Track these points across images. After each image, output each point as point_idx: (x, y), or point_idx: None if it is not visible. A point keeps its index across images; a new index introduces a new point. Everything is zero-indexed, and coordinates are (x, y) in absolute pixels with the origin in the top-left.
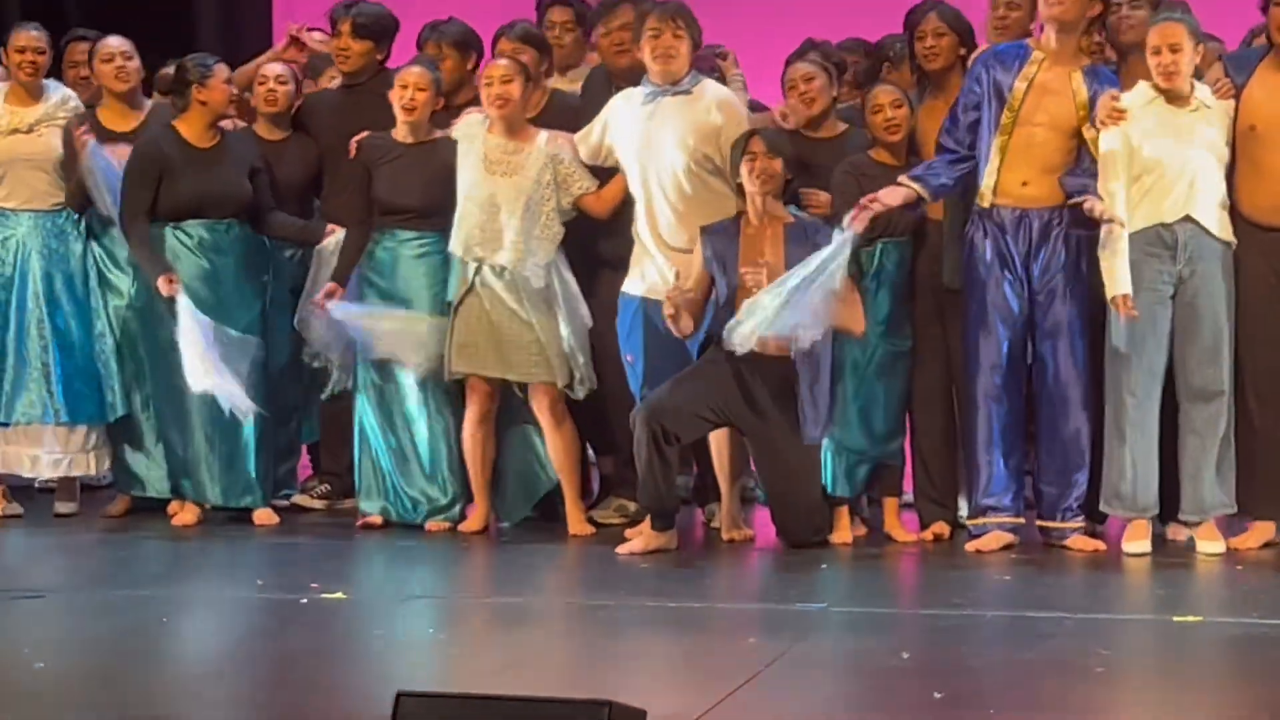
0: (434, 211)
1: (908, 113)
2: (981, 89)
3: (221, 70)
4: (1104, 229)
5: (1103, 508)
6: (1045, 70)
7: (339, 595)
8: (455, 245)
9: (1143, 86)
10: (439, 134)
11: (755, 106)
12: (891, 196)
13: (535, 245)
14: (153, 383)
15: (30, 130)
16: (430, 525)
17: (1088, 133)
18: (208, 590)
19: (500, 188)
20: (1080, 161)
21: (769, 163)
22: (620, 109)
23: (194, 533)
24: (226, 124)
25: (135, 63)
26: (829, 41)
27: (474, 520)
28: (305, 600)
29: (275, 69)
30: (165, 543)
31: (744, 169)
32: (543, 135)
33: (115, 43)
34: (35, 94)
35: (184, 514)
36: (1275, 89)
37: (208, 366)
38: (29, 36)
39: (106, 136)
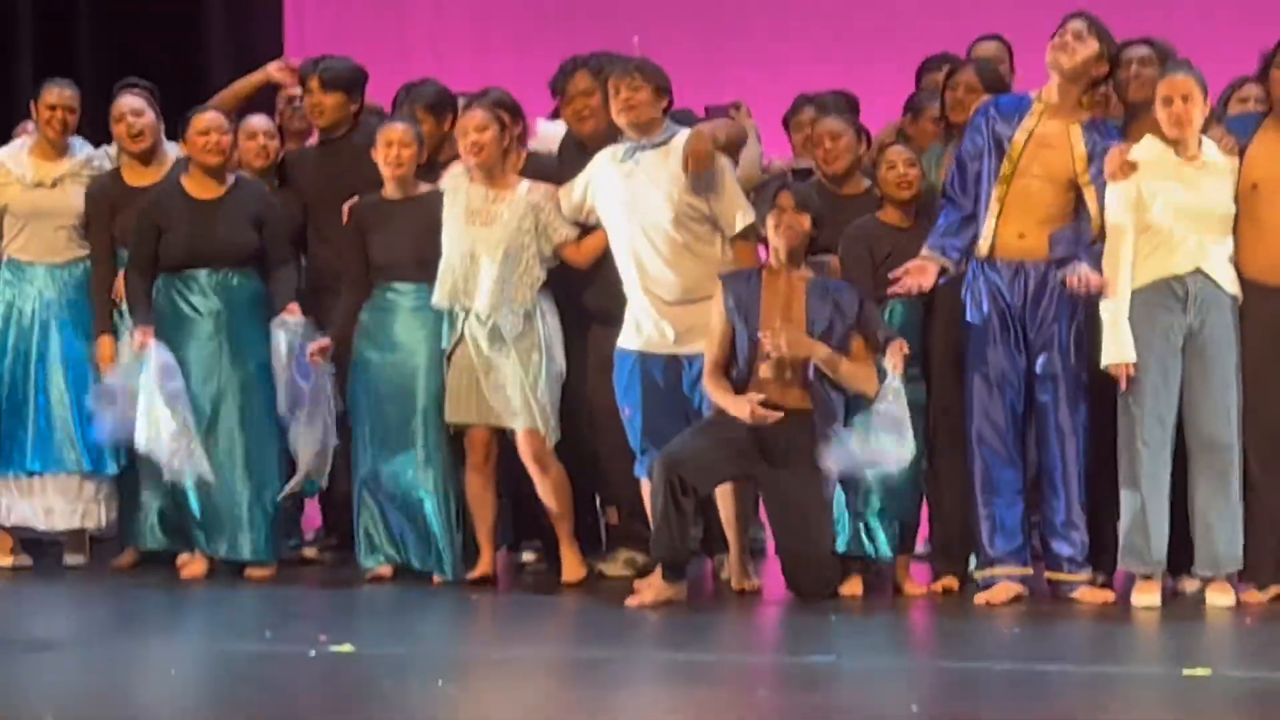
0: (428, 263)
1: (919, 173)
2: (983, 139)
3: (199, 120)
4: (1103, 299)
5: (1121, 564)
6: (1045, 122)
7: (347, 648)
8: (438, 296)
9: (1151, 140)
10: (426, 188)
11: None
12: (927, 277)
13: (512, 291)
14: None
15: (54, 185)
16: (436, 578)
17: (1085, 187)
18: (216, 642)
19: (480, 236)
20: (1078, 215)
21: (796, 218)
22: (603, 167)
23: (201, 585)
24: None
25: (145, 119)
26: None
27: (481, 568)
28: (314, 653)
29: (263, 124)
30: (173, 595)
31: (770, 222)
32: (523, 184)
33: (125, 102)
34: (61, 150)
35: (193, 566)
36: (1276, 149)
37: (155, 423)
38: (60, 94)
39: (128, 193)
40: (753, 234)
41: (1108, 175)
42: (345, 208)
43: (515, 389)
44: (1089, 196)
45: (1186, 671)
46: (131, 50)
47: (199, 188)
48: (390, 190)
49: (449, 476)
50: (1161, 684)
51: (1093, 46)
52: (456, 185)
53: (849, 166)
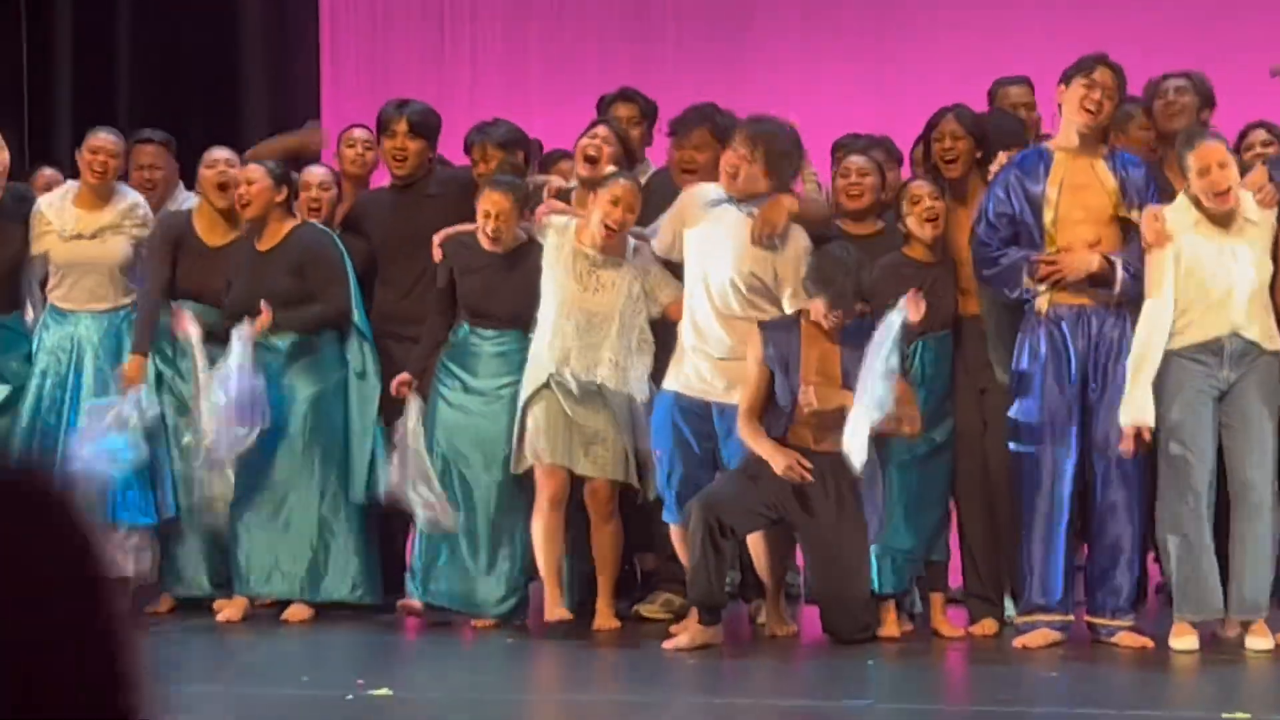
0: (520, 318)
1: (944, 206)
2: (1015, 203)
3: (207, 156)
4: (1132, 356)
5: (1178, 614)
6: (1070, 168)
7: (385, 692)
8: (548, 358)
9: (1185, 203)
10: (524, 237)
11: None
12: (1083, 263)
13: (635, 360)
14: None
15: (95, 236)
16: (478, 622)
17: (1129, 214)
18: (253, 687)
19: (594, 304)
20: (1128, 243)
21: (854, 306)
22: (692, 205)
23: (238, 629)
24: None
25: (258, 186)
26: (877, 136)
27: (550, 610)
28: (351, 697)
29: (319, 174)
30: (210, 640)
31: (822, 305)
32: (630, 245)
33: (247, 172)
34: (105, 197)
35: (230, 609)
36: None
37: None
38: (104, 140)
39: (201, 248)
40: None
41: (1145, 243)
42: (435, 242)
43: (608, 440)
44: (1136, 219)
45: (1226, 715)
46: (169, 97)
47: (204, 229)
48: (487, 242)
49: (524, 519)
50: None
51: (1116, 100)
52: (562, 240)
53: (869, 206)
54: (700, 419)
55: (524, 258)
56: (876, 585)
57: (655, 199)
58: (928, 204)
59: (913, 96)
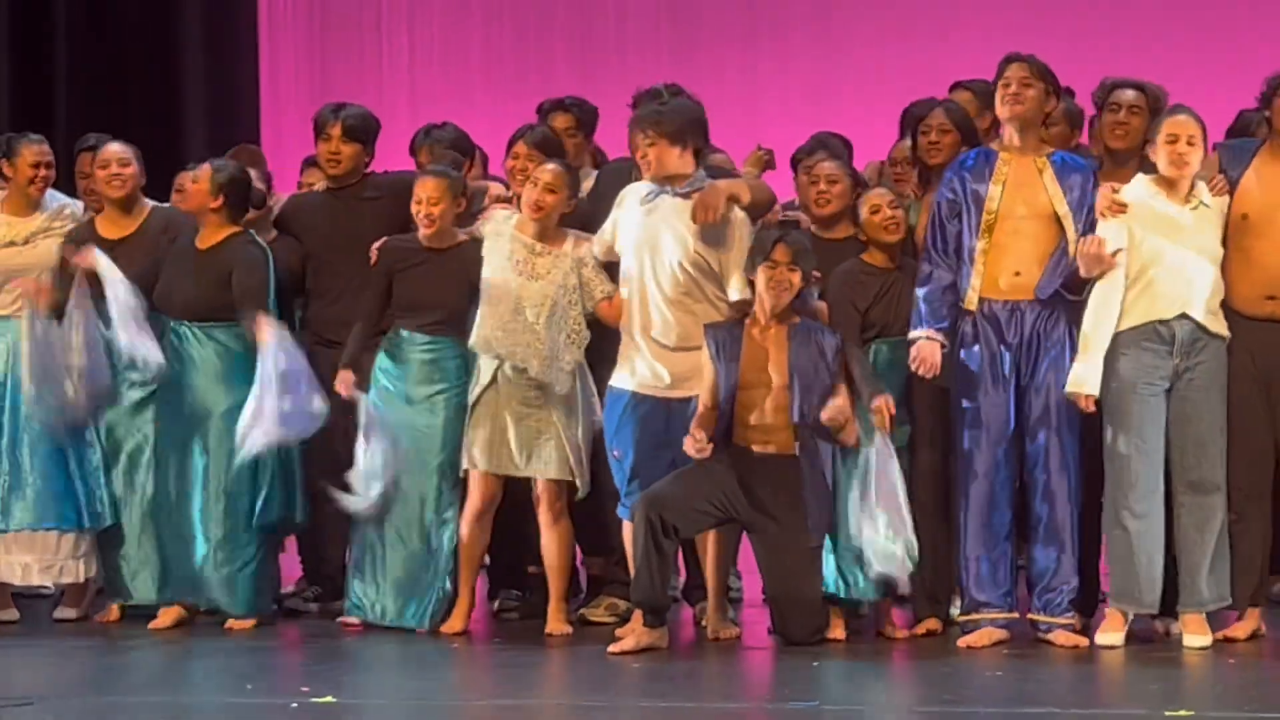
0: (457, 318)
1: (904, 214)
2: (959, 198)
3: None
4: (1084, 329)
5: (1112, 606)
6: (1015, 168)
7: (329, 699)
8: (476, 342)
9: (1143, 180)
10: (463, 236)
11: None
12: (936, 359)
13: (562, 351)
14: (152, 490)
15: (26, 242)
16: (419, 629)
17: (1065, 218)
18: (198, 696)
19: (526, 291)
20: (1064, 249)
21: (789, 274)
22: (627, 204)
23: (182, 638)
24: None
25: (131, 169)
26: (839, 137)
27: (456, 619)
28: (295, 705)
29: (119, 152)
30: (155, 648)
31: (762, 274)
32: (570, 238)
33: (112, 149)
34: (35, 204)
35: (163, 618)
36: (1269, 179)
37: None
38: (42, 150)
39: (102, 244)
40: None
41: (1098, 213)
42: (373, 248)
43: (552, 439)
44: (1068, 227)
45: (1170, 713)
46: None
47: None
48: (424, 238)
49: (455, 527)
50: None
51: (1037, 88)
52: (500, 230)
53: (839, 211)
54: (657, 417)
55: (462, 256)
56: (845, 592)
57: (609, 194)
58: (887, 214)
59: (855, 102)
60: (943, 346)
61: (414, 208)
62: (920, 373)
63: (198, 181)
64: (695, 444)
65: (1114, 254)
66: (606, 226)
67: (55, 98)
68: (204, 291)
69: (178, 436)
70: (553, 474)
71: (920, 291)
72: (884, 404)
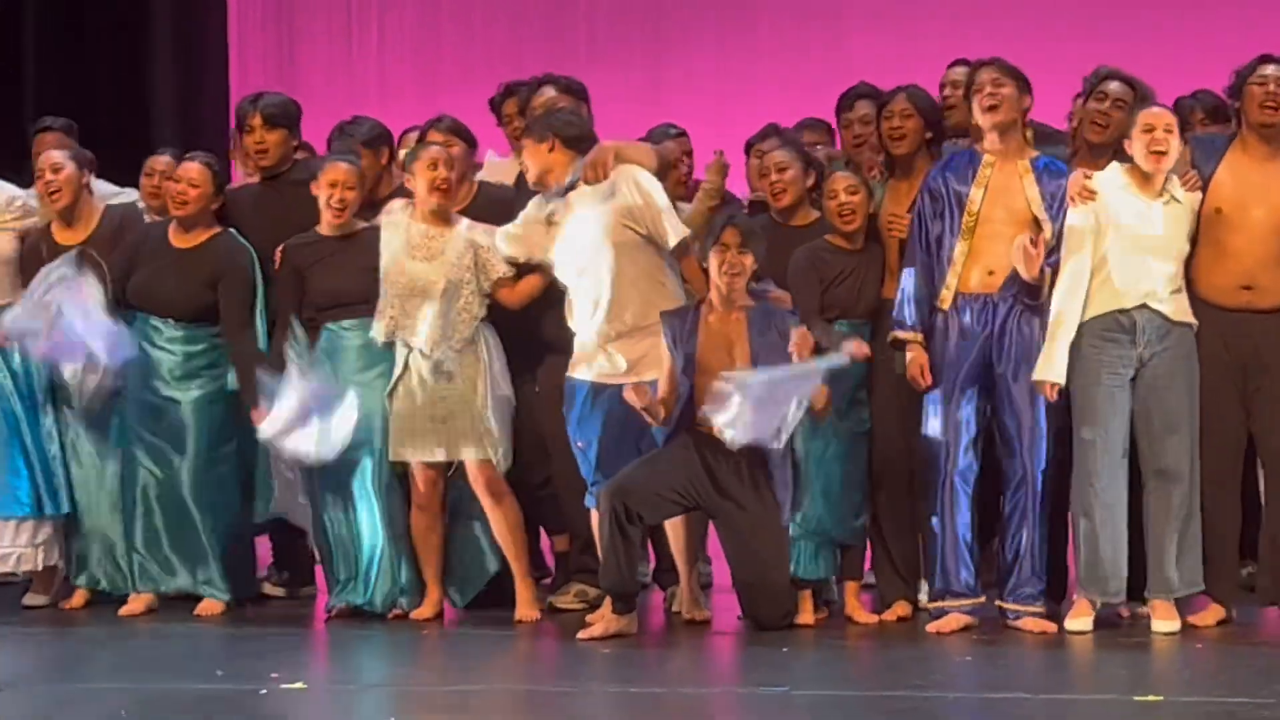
0: (370, 299)
1: (864, 198)
2: (942, 200)
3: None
4: (1051, 316)
5: (1080, 594)
6: (997, 172)
7: (299, 685)
8: (378, 330)
9: (1117, 170)
10: (362, 225)
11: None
12: (917, 361)
13: (451, 327)
14: (119, 476)
15: None
16: (390, 614)
17: (1045, 224)
18: (167, 682)
19: (420, 272)
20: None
21: (740, 258)
22: (532, 223)
23: (151, 624)
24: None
25: (66, 173)
26: (823, 122)
27: (426, 607)
28: (265, 691)
29: (165, 162)
30: (123, 634)
31: (713, 259)
32: (464, 222)
33: (48, 158)
34: None
35: (133, 604)
36: (1242, 173)
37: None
38: None
39: (57, 249)
40: (690, 249)
41: (1068, 198)
42: (277, 252)
43: (464, 419)
44: (1046, 231)
45: (1139, 698)
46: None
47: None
48: (326, 228)
49: (400, 516)
50: (1115, 710)
51: (1010, 88)
52: (396, 220)
53: (797, 198)
54: (619, 404)
55: (365, 242)
56: (799, 571)
57: (523, 192)
58: (843, 199)
59: (826, 93)
60: (906, 336)
61: (325, 192)
62: (917, 387)
63: (197, 185)
64: (641, 398)
65: (1049, 253)
66: (519, 233)
67: (24, 86)
68: (188, 291)
69: (150, 428)
70: (471, 454)
71: (908, 288)
72: (858, 344)
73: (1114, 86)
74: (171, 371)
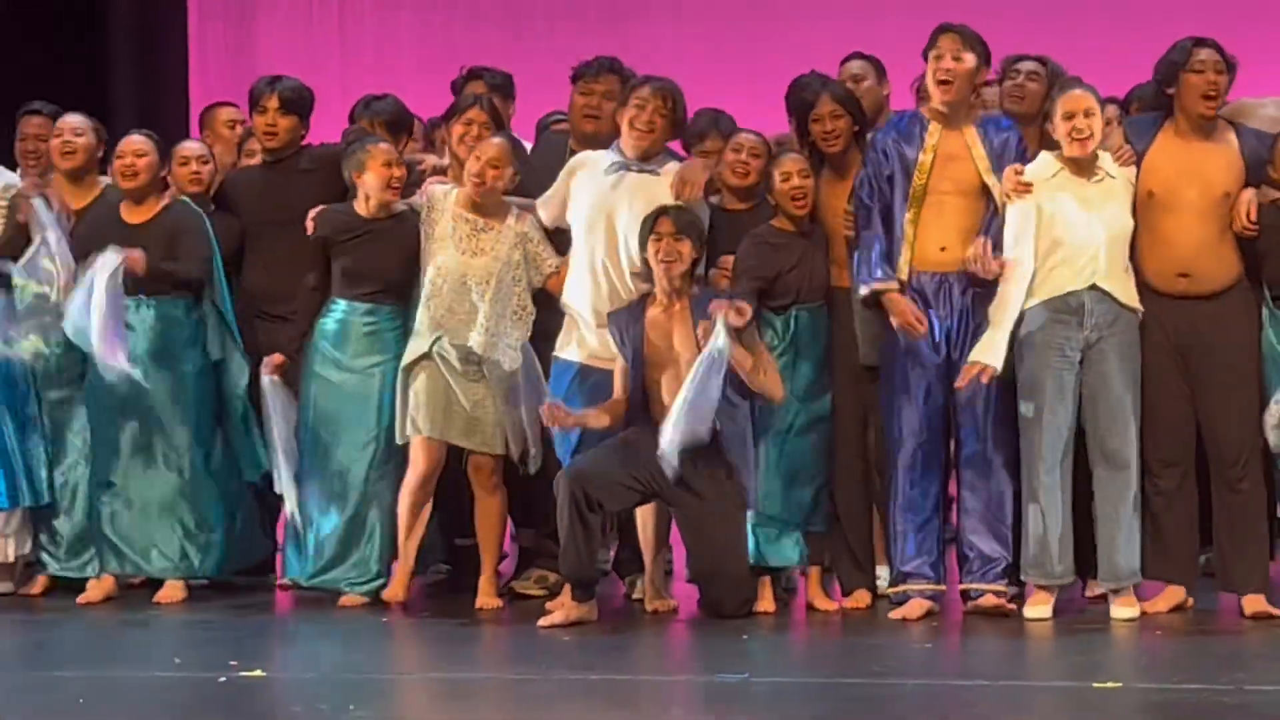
0: (398, 288)
1: (814, 183)
2: (889, 164)
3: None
4: (994, 303)
5: (1023, 576)
6: (943, 140)
7: (258, 673)
8: (423, 322)
9: (1047, 158)
10: (401, 206)
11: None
12: (904, 307)
13: (508, 327)
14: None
15: None
16: (346, 600)
17: (994, 187)
18: (125, 670)
19: (470, 268)
20: (990, 217)
21: (674, 245)
22: (582, 175)
23: (109, 611)
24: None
25: (84, 139)
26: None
27: (395, 587)
28: (224, 679)
29: (196, 149)
30: (81, 622)
31: (650, 249)
32: (512, 213)
33: (68, 120)
34: None
35: (92, 590)
36: (1173, 155)
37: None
38: None
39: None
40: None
41: (1003, 195)
42: (309, 217)
43: (491, 414)
44: (996, 196)
45: (1097, 685)
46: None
47: (126, 211)
48: (362, 209)
49: (389, 495)
50: (1074, 697)
51: (969, 63)
52: (440, 205)
53: (754, 185)
54: (606, 387)
55: (401, 226)
56: (758, 559)
57: (544, 162)
58: (796, 182)
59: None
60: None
61: (380, 173)
62: (911, 337)
63: (144, 154)
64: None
65: (1001, 261)
66: (555, 195)
67: None
68: (150, 264)
69: (118, 408)
70: (498, 449)
71: (876, 249)
72: (725, 308)
73: (1024, 64)
74: (149, 351)
